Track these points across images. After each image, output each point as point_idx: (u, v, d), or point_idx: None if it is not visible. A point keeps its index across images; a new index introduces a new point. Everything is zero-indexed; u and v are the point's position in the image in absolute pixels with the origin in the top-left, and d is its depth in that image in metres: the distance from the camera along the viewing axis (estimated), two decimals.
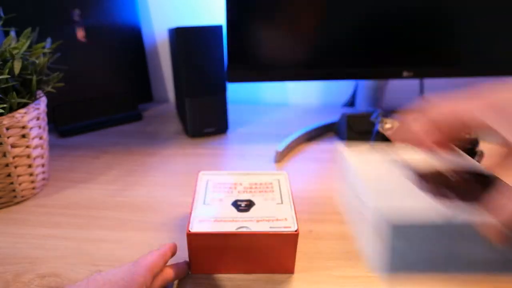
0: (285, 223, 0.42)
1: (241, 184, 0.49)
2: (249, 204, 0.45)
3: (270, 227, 0.41)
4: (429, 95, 0.28)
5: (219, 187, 0.48)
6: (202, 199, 0.46)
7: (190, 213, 0.43)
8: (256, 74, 0.72)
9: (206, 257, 0.43)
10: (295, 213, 0.43)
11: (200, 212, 0.43)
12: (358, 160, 0.36)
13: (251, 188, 0.48)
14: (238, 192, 0.47)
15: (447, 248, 0.25)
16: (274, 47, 0.69)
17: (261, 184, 0.49)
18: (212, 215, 0.43)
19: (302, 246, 0.45)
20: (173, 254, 0.42)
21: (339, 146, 0.40)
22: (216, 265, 0.43)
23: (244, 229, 0.41)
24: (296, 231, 0.41)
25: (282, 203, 0.45)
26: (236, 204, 0.45)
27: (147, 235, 0.50)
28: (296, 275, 0.44)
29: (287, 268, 0.44)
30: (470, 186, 0.27)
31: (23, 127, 0.53)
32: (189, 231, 0.40)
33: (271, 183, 0.49)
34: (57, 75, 0.57)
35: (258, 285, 0.43)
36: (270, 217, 0.43)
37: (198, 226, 0.41)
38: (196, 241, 0.41)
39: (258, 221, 0.42)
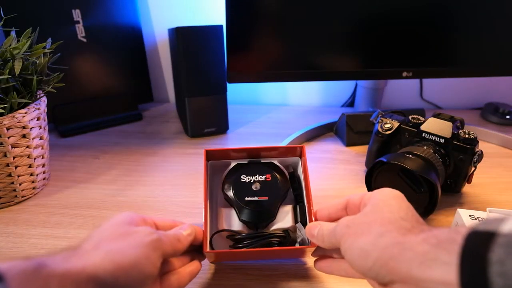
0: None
1: None
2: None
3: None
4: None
5: None
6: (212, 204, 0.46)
7: (204, 226, 0.41)
8: (256, 74, 0.72)
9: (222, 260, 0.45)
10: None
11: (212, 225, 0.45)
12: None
13: None
14: None
15: None
16: (274, 47, 0.69)
17: None
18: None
19: None
20: (198, 241, 0.39)
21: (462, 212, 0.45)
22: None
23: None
24: (311, 244, 0.39)
25: None
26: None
27: None
28: (297, 274, 0.44)
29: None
30: None
31: (24, 127, 0.53)
32: (206, 249, 0.40)
33: None
34: (57, 75, 0.57)
35: (261, 280, 0.43)
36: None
37: (213, 244, 0.43)
38: (213, 257, 0.42)
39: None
